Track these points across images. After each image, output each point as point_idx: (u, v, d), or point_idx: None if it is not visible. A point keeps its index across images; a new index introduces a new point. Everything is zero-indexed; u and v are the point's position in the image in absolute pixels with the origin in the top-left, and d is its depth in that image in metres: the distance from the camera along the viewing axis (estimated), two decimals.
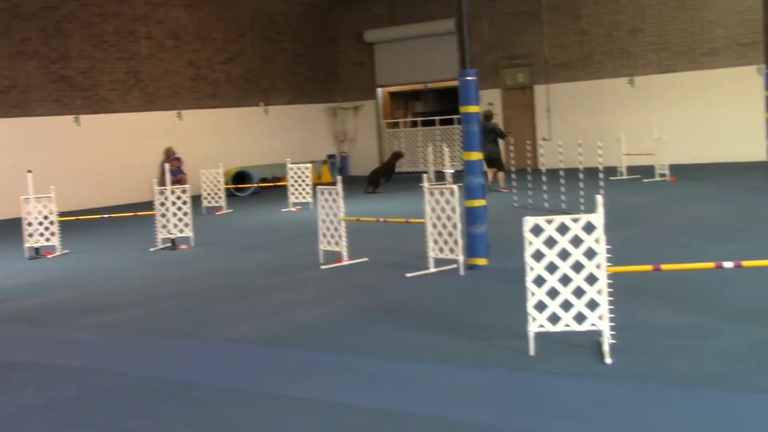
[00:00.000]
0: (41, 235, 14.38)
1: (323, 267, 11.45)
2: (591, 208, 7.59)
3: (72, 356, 7.96)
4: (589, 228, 6.52)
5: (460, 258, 10.32)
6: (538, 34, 26.55)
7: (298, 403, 6.10)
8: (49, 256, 14.30)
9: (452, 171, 21.52)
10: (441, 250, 10.52)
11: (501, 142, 20.52)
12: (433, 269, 10.55)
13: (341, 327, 8.32)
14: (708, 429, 5.12)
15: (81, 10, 23.44)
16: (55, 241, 14.43)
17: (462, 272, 10.30)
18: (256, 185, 24.47)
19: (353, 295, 9.83)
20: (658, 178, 20.23)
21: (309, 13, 29.64)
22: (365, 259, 11.75)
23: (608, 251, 6.55)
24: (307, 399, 6.17)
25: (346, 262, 11.52)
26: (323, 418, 5.79)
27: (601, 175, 15.15)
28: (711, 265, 7.27)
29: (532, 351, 6.70)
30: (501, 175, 20.23)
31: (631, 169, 21.60)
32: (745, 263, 7.32)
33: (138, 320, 9.23)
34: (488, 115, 20.95)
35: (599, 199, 6.51)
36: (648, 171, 20.98)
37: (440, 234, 10.48)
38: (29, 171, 14.80)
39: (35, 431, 5.97)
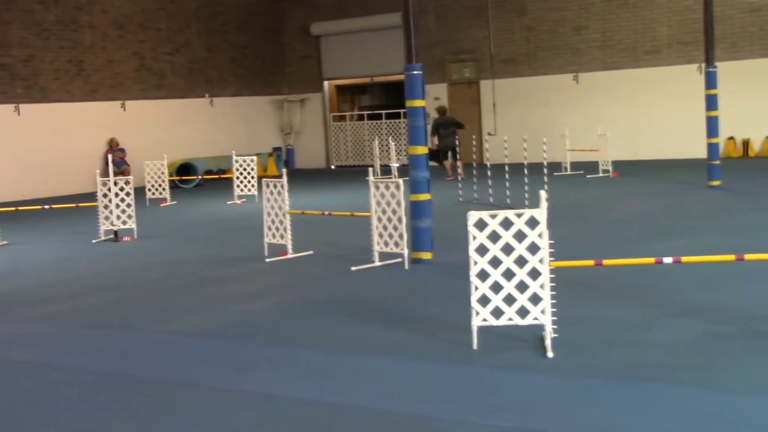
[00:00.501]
0: None
1: (268, 260, 11.41)
2: (535, 203, 7.68)
3: (8, 349, 7.82)
4: (532, 223, 6.57)
5: (405, 252, 10.34)
6: (483, 29, 26.69)
7: (241, 396, 6.06)
8: None
9: (398, 165, 21.55)
10: (386, 243, 10.53)
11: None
12: (378, 263, 10.56)
13: (285, 320, 8.28)
14: (648, 422, 5.19)
15: None
16: None
17: (407, 266, 10.32)
18: (200, 177, 24.28)
19: (298, 288, 9.79)
20: (601, 174, 20.48)
21: (255, 4, 29.46)
22: (310, 252, 11.73)
23: (551, 246, 6.61)
24: (250, 392, 6.14)
25: (290, 255, 11.49)
26: (266, 411, 5.77)
27: (545, 171, 15.27)
28: (651, 260, 7.37)
29: (475, 345, 6.74)
30: (461, 163, 20.68)
31: (575, 165, 21.84)
32: (684, 259, 7.43)
33: (78, 313, 9.11)
34: (443, 110, 21.54)
35: (543, 194, 6.57)
36: (592, 167, 21.24)
37: (385, 228, 10.49)
38: None
39: None
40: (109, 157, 16.76)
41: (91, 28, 24.66)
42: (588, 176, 20.43)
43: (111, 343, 7.83)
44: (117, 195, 14.10)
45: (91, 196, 15.49)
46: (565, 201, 15.54)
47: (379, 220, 10.56)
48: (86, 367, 7.05)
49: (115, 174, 15.40)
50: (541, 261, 6.58)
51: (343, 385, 6.20)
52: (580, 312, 7.70)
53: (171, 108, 26.68)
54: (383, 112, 29.22)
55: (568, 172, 21.41)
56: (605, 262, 7.33)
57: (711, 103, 16.75)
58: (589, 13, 25.24)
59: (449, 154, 21.11)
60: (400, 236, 10.33)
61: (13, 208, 16.21)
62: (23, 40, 23.04)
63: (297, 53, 30.25)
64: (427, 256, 10.59)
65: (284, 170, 12.26)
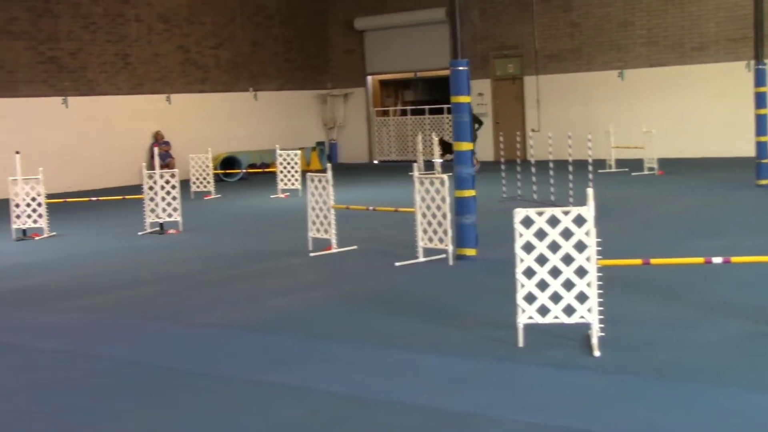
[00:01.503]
0: (29, 216, 14.32)
1: (312, 254, 11.45)
2: (580, 201, 7.63)
3: (54, 339, 7.93)
4: (579, 220, 6.53)
5: (449, 248, 10.33)
6: (528, 24, 26.55)
7: (280, 390, 6.10)
8: (37, 238, 14.24)
9: (441, 161, 21.53)
10: (430, 239, 10.52)
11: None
12: (422, 259, 10.56)
13: (327, 314, 8.32)
14: (692, 423, 5.15)
15: None
16: (43, 223, 14.36)
17: (451, 262, 10.31)
18: (244, 171, 24.42)
19: (341, 282, 9.83)
20: (646, 172, 20.30)
21: None
22: (354, 247, 11.75)
23: (597, 244, 6.58)
24: (289, 385, 6.18)
25: (334, 249, 11.52)
26: (304, 404, 5.79)
27: (590, 168, 15.15)
28: (701, 260, 7.30)
29: (520, 342, 6.72)
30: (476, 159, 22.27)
31: (620, 162, 21.67)
32: (735, 259, 7.36)
33: (121, 304, 9.21)
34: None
35: (590, 192, 6.53)
36: (636, 164, 21.06)
37: (429, 224, 10.49)
38: (17, 152, 14.72)
39: (18, 413, 5.96)
40: (155, 150, 16.92)
41: (137, 21, 24.89)
42: (633, 174, 20.25)
43: (152, 334, 7.92)
44: (162, 188, 14.22)
45: (137, 189, 15.65)
46: (609, 198, 15.41)
47: (424, 215, 10.56)
48: (126, 358, 7.14)
49: (161, 167, 15.54)
50: (588, 259, 6.55)
51: (384, 380, 6.21)
52: (625, 311, 7.65)
53: (215, 102, 26.84)
54: (426, 107, 29.19)
55: (613, 170, 21.24)
56: (653, 261, 7.28)
57: (760, 100, 16.52)
58: (635, 9, 25.00)
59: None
60: (445, 232, 10.32)
61: (61, 200, 16.40)
62: (71, 33, 23.32)
63: (340, 48, 30.29)
64: (471, 252, 10.58)
65: (329, 165, 12.31)
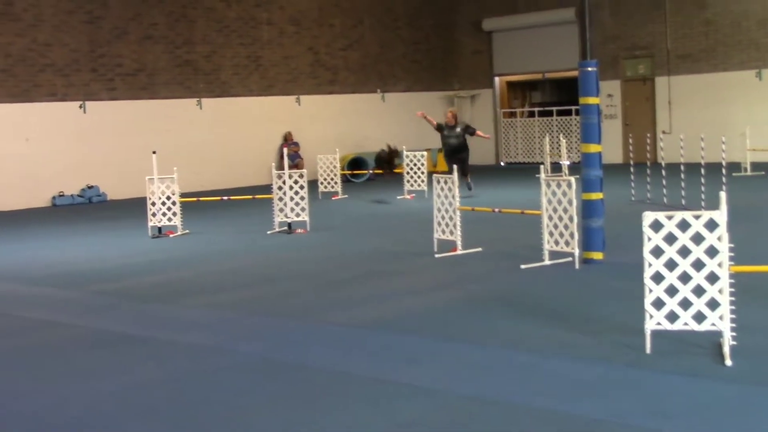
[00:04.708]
0: (164, 214, 14.79)
1: (437, 255, 11.49)
2: (712, 205, 7.38)
3: (189, 334, 8.18)
4: (711, 225, 6.37)
5: (576, 251, 10.21)
6: (660, 24, 25.93)
7: (405, 389, 6.15)
8: (171, 235, 14.70)
9: (569, 163, 21.26)
10: (556, 242, 10.43)
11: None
12: (547, 261, 10.47)
13: (453, 315, 8.34)
14: None
15: None
16: (177, 221, 14.81)
17: (577, 266, 10.19)
18: (371, 172, 24.64)
19: (466, 284, 9.83)
20: None
21: (427, 0, 29.62)
22: (479, 249, 11.73)
23: (731, 249, 6.40)
24: (415, 385, 6.22)
25: (460, 251, 11.53)
26: (430, 404, 5.83)
27: (723, 171, 14.70)
28: None
29: (648, 349, 6.59)
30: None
31: (756, 165, 20.95)
32: None
33: (252, 301, 9.44)
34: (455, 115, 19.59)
35: (723, 195, 6.36)
36: None
37: (556, 226, 10.39)
38: (154, 152, 15.23)
39: (153, 406, 6.18)
40: (284, 150, 17.25)
41: (268, 24, 25.43)
42: None
43: (282, 331, 8.08)
44: (291, 188, 14.49)
45: (267, 189, 15.98)
46: (744, 203, 14.92)
47: (550, 218, 10.46)
48: (258, 353, 7.31)
49: (290, 167, 15.84)
50: (720, 265, 6.38)
51: (508, 383, 6.20)
52: (759, 319, 7.41)
53: (344, 103, 27.19)
54: (554, 108, 28.86)
55: (749, 173, 20.56)
56: None
57: None
58: None
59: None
60: (571, 235, 10.21)
61: (195, 199, 16.87)
62: (206, 37, 24.01)
63: (468, 49, 30.22)
64: (598, 256, 10.43)
65: (455, 166, 12.32)
